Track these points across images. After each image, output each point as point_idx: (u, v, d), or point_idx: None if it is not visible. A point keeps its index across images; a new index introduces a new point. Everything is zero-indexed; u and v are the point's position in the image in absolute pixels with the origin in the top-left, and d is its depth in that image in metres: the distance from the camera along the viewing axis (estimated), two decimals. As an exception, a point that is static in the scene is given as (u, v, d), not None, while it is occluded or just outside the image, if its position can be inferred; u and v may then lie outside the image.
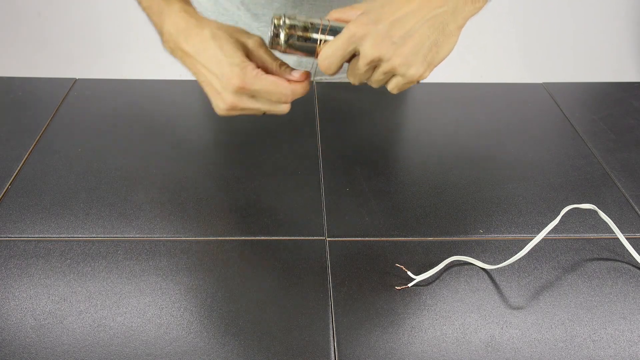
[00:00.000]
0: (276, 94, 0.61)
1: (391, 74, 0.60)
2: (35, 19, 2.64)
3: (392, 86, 0.61)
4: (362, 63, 0.59)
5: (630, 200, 0.72)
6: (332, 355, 0.52)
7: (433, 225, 0.67)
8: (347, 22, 0.60)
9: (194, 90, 0.92)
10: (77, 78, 0.92)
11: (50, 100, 0.87)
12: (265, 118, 0.83)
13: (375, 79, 0.61)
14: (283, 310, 0.56)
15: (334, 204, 0.69)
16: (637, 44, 2.73)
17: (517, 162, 0.78)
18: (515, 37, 2.69)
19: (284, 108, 0.63)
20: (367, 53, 0.57)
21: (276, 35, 0.61)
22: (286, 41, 0.60)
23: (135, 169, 0.74)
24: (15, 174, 0.72)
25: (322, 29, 0.60)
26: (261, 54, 0.63)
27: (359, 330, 0.55)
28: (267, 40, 0.62)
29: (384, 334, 0.54)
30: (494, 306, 0.58)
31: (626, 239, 0.64)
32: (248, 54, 0.62)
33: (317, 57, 0.61)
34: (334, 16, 0.62)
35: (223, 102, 0.62)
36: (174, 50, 0.65)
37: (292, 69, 0.63)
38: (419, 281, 0.59)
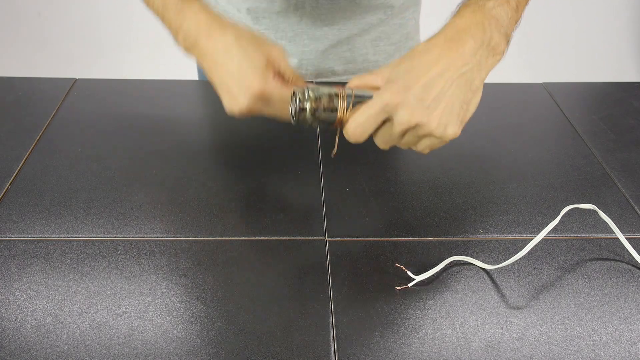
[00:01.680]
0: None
1: (426, 137, 0.59)
2: (35, 19, 2.64)
3: (424, 146, 0.60)
4: (397, 130, 0.58)
5: (630, 200, 0.72)
6: (332, 355, 0.52)
7: (433, 225, 0.67)
8: (368, 88, 0.60)
9: (194, 90, 0.92)
10: (77, 78, 0.92)
11: (50, 100, 0.87)
12: (266, 118, 0.83)
13: (407, 141, 0.60)
14: (283, 310, 0.56)
15: (334, 204, 0.69)
16: (637, 44, 2.73)
17: (517, 162, 0.78)
18: (515, 37, 2.69)
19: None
20: (404, 120, 0.56)
21: (302, 110, 0.59)
22: (312, 114, 0.58)
23: (135, 169, 0.74)
24: (15, 174, 0.72)
25: (346, 98, 0.59)
26: (282, 64, 0.64)
27: (359, 330, 0.55)
28: (291, 113, 0.60)
29: (384, 334, 0.54)
30: (494, 306, 0.58)
31: (626, 239, 0.64)
32: (268, 62, 0.62)
33: (342, 125, 0.60)
34: (355, 83, 0.61)
35: (238, 105, 0.62)
36: (191, 48, 0.64)
37: (308, 83, 0.64)
38: (419, 281, 0.59)
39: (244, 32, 0.64)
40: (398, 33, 0.98)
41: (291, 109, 0.60)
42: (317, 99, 0.58)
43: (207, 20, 0.64)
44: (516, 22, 0.62)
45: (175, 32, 0.66)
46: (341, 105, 0.58)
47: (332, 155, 0.64)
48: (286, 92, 0.62)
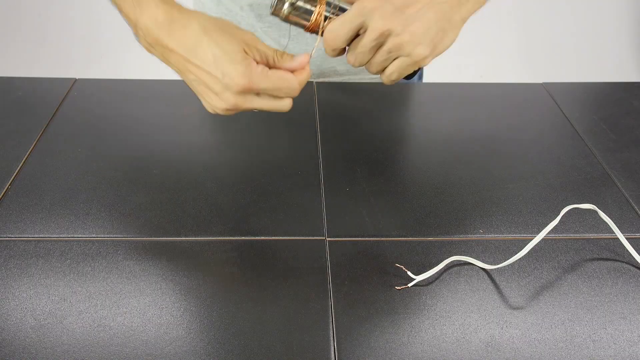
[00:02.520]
0: (284, 89, 0.59)
1: (396, 54, 0.59)
2: (35, 19, 2.64)
3: (393, 69, 0.61)
4: (369, 37, 0.58)
5: (630, 200, 0.72)
6: (332, 355, 0.52)
7: (433, 225, 0.67)
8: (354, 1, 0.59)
9: (194, 90, 0.92)
10: (77, 78, 0.92)
11: (50, 100, 0.87)
12: (266, 118, 0.83)
13: (377, 60, 0.60)
14: (283, 310, 0.56)
15: (334, 204, 0.69)
16: (637, 44, 2.73)
17: (517, 162, 0.78)
18: (515, 37, 2.69)
19: (288, 104, 0.61)
20: (377, 26, 0.57)
21: (280, 0, 0.59)
22: (291, 5, 0.59)
23: (135, 169, 0.74)
24: (15, 174, 0.72)
25: (324, 3, 0.59)
26: (259, 47, 0.60)
27: (359, 330, 0.55)
28: (272, 3, 0.59)
29: (384, 334, 0.54)
30: (494, 306, 0.58)
31: (626, 239, 0.64)
32: (245, 49, 0.58)
33: (321, 33, 0.60)
34: None
35: (223, 102, 0.58)
36: (153, 46, 0.60)
37: (293, 55, 0.61)
38: (419, 281, 0.59)
39: (209, 21, 0.59)
40: None
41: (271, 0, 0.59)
42: None
43: (166, 13, 0.58)
44: None
45: (134, 30, 0.61)
46: (319, 8, 0.59)
47: (310, 56, 0.61)
48: (277, 78, 0.58)
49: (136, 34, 0.61)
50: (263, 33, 0.94)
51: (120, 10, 0.62)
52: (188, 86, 0.62)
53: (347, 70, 0.98)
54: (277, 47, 0.95)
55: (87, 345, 0.52)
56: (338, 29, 0.59)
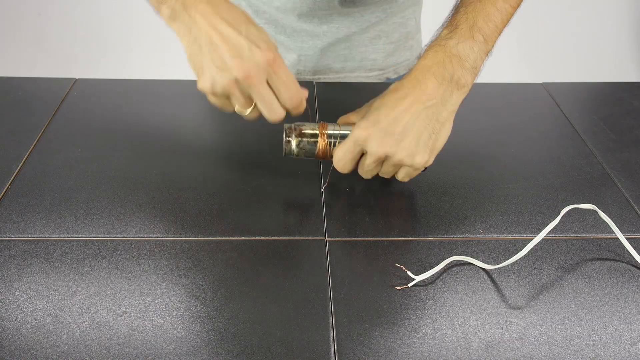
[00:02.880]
0: (290, 91, 0.60)
1: (399, 166, 0.65)
2: (35, 19, 2.64)
3: (402, 175, 0.67)
4: (369, 161, 0.65)
5: (630, 200, 0.72)
6: (332, 355, 0.52)
7: (433, 225, 0.67)
8: (353, 124, 0.67)
9: (195, 91, 0.92)
10: (77, 78, 0.92)
11: (50, 100, 0.87)
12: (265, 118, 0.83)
13: (385, 171, 0.67)
14: (283, 310, 0.56)
15: (334, 204, 0.69)
16: (637, 44, 2.73)
17: (517, 162, 0.78)
18: (515, 37, 2.69)
19: (280, 114, 0.61)
20: (374, 151, 0.63)
21: (288, 142, 0.67)
22: (297, 145, 0.67)
23: (135, 169, 0.74)
24: (15, 174, 0.72)
25: (325, 135, 0.67)
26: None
27: (359, 330, 0.55)
28: (283, 145, 0.68)
29: (384, 334, 0.54)
30: (494, 306, 0.58)
31: (626, 239, 0.64)
32: None
33: (329, 156, 0.68)
34: (341, 121, 0.69)
35: (238, 68, 0.56)
36: (185, 7, 0.58)
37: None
38: (419, 281, 0.59)
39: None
40: (397, 32, 0.98)
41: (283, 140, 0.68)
42: (301, 133, 0.67)
43: None
44: (487, 53, 0.67)
45: None
46: (321, 140, 0.67)
47: (322, 189, 0.71)
48: (292, 76, 0.59)
49: (164, 1, 0.60)
50: None
51: None
52: (190, 63, 0.60)
53: (343, 68, 0.98)
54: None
55: (87, 345, 0.52)
56: (342, 158, 0.65)
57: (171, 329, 0.54)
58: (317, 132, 0.68)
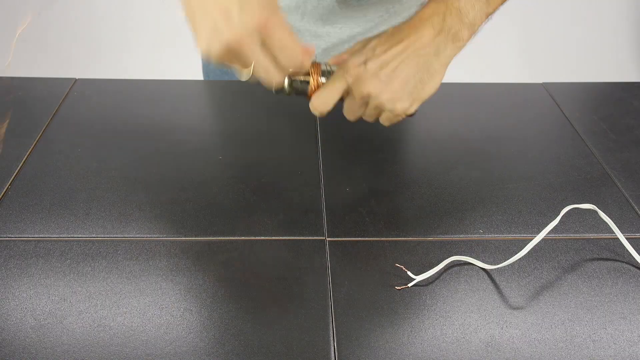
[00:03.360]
0: (289, 52, 0.55)
1: (380, 110, 0.65)
2: (35, 19, 2.64)
3: (383, 119, 0.67)
4: (352, 100, 0.65)
5: (630, 200, 0.72)
6: (332, 355, 0.52)
7: (433, 225, 0.67)
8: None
9: (195, 91, 0.92)
10: (77, 78, 0.92)
11: (50, 100, 0.87)
12: (266, 117, 0.83)
13: (368, 114, 0.66)
14: (283, 310, 0.56)
15: (334, 204, 0.69)
16: (637, 44, 2.73)
17: (517, 162, 0.78)
18: (515, 37, 2.69)
19: (277, 79, 0.57)
20: (357, 90, 0.63)
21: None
22: (290, 84, 0.65)
23: (135, 169, 0.74)
24: (15, 174, 0.72)
25: (319, 72, 0.65)
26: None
27: (359, 330, 0.55)
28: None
29: (384, 334, 0.54)
30: (494, 306, 0.58)
31: (626, 239, 0.64)
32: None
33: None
34: (332, 61, 0.67)
35: (230, 31, 0.52)
36: None
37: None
38: (419, 281, 0.59)
39: None
40: None
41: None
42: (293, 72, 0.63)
43: None
44: (487, 15, 0.66)
45: None
46: (313, 78, 0.65)
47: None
48: (291, 36, 0.54)
49: None
50: None
51: None
52: (190, 27, 0.56)
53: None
54: None
55: (87, 345, 0.52)
56: (326, 97, 0.64)
57: (171, 329, 0.54)
58: (310, 70, 0.65)
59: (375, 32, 0.95)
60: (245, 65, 0.57)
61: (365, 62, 0.63)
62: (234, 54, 0.55)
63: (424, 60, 0.63)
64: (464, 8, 0.64)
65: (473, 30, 0.65)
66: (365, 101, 0.65)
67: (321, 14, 0.90)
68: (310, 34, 0.93)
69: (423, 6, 0.66)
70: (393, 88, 0.63)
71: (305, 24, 0.92)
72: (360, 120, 0.67)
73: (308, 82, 0.66)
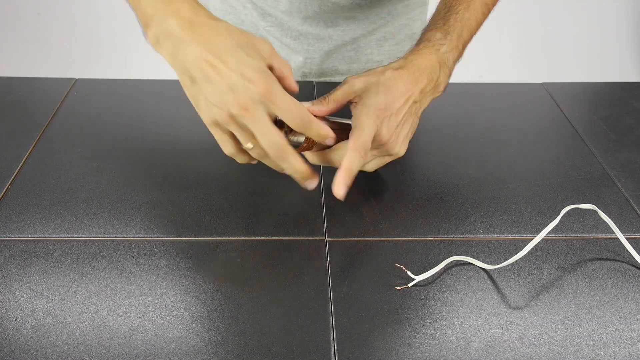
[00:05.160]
0: (296, 112, 0.56)
1: (383, 156, 0.67)
2: (35, 19, 2.64)
3: (373, 165, 0.68)
4: (376, 151, 0.66)
5: (630, 200, 0.72)
6: (332, 355, 0.52)
7: (433, 225, 0.67)
8: (339, 100, 0.66)
9: (194, 90, 0.92)
10: (77, 78, 0.92)
11: (50, 100, 0.87)
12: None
13: (374, 164, 0.68)
14: (283, 310, 0.56)
15: (334, 204, 0.69)
16: (637, 44, 2.73)
17: (517, 162, 0.78)
18: (515, 37, 2.69)
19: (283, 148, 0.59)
20: (383, 135, 0.63)
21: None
22: (285, 136, 0.61)
23: (135, 168, 0.74)
24: (15, 174, 0.72)
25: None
26: (275, 59, 0.59)
27: (359, 330, 0.55)
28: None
29: (384, 334, 0.54)
30: (494, 306, 0.58)
31: (626, 239, 0.64)
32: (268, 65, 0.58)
33: (309, 149, 0.64)
34: (327, 105, 0.66)
35: (236, 100, 0.54)
36: (167, 38, 0.56)
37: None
38: (419, 281, 0.59)
39: (236, 28, 0.58)
40: (402, 33, 0.98)
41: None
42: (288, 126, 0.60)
43: (192, 9, 0.57)
44: (457, 61, 0.72)
45: (147, 19, 0.58)
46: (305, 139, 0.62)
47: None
48: (290, 99, 0.56)
49: (147, 26, 0.58)
50: (266, 32, 0.94)
51: (134, 3, 0.60)
52: (186, 91, 0.59)
53: (349, 70, 0.98)
54: (280, 45, 0.95)
55: (87, 345, 0.52)
56: (365, 146, 0.62)
57: (171, 329, 0.54)
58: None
59: (377, 34, 0.95)
60: (247, 136, 0.58)
61: (387, 114, 0.63)
62: (238, 124, 0.57)
63: (417, 108, 0.68)
64: (449, 62, 0.70)
65: (448, 80, 0.71)
66: (383, 155, 0.67)
67: (323, 17, 0.90)
68: (312, 36, 0.93)
69: (417, 53, 0.68)
70: (402, 137, 0.66)
71: (307, 27, 0.92)
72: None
73: (301, 140, 0.62)
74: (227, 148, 0.61)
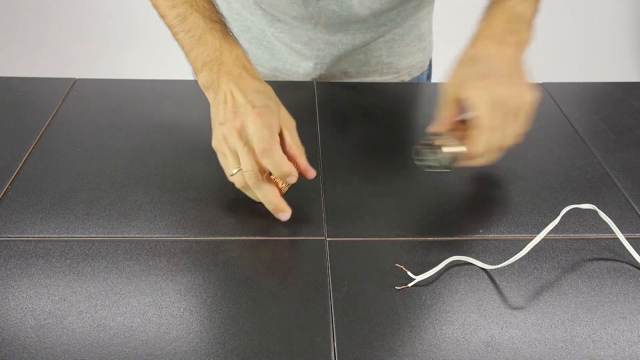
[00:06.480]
0: (285, 169, 0.62)
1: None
2: (35, 19, 2.64)
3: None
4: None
5: (630, 200, 0.72)
6: (332, 355, 0.52)
7: (433, 225, 0.67)
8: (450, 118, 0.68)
9: (194, 90, 0.92)
10: (77, 78, 0.92)
11: (50, 100, 0.87)
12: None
13: (511, 129, 0.68)
14: (283, 310, 0.56)
15: (334, 204, 0.69)
16: (637, 44, 2.73)
17: (517, 162, 0.78)
18: (515, 37, 2.69)
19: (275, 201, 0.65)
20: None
21: (424, 158, 0.67)
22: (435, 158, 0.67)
23: (135, 169, 0.74)
24: (15, 174, 0.72)
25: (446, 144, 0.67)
26: (289, 135, 0.66)
27: (359, 330, 0.55)
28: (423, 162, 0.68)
29: (384, 334, 0.54)
30: (494, 306, 0.58)
31: (626, 239, 0.64)
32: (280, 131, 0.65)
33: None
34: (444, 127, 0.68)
35: (232, 123, 0.63)
36: (220, 79, 0.67)
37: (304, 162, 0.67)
38: (419, 281, 0.59)
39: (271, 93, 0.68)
40: (411, 34, 0.98)
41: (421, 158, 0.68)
42: (438, 146, 0.67)
43: (246, 59, 0.70)
44: (537, 11, 0.73)
45: (211, 59, 0.68)
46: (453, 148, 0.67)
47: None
48: (286, 160, 0.62)
49: (205, 65, 0.68)
50: (275, 39, 0.94)
51: (187, 44, 0.70)
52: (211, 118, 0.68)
53: (358, 73, 0.98)
54: (289, 51, 0.95)
55: (87, 345, 0.52)
56: (490, 142, 0.65)
57: (171, 329, 0.54)
58: (454, 144, 0.67)
59: (387, 36, 0.95)
60: (233, 162, 0.65)
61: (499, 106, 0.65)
62: (229, 146, 0.64)
63: (514, 63, 0.71)
64: (525, 13, 0.71)
65: (532, 31, 0.72)
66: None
67: (334, 23, 0.90)
68: (323, 41, 0.93)
69: (487, 24, 0.70)
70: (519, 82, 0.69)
71: (317, 33, 0.91)
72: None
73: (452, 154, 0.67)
74: (227, 174, 0.66)
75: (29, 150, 0.76)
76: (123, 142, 0.79)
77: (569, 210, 0.66)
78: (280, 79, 0.98)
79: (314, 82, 0.94)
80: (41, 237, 0.64)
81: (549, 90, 0.94)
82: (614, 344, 0.55)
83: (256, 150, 0.62)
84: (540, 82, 0.96)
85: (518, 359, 0.53)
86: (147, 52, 2.43)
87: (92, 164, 0.74)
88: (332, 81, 0.98)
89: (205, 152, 0.78)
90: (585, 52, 2.67)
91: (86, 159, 0.75)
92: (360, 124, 0.85)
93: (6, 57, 2.54)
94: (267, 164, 0.62)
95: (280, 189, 0.66)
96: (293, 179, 0.64)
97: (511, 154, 0.80)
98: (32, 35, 2.60)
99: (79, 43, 2.58)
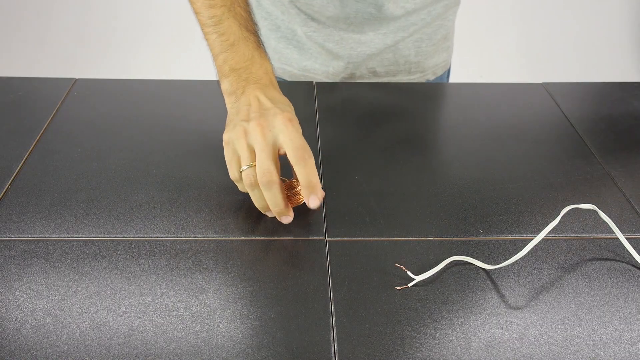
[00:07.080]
0: (275, 197, 0.63)
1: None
2: (35, 19, 2.64)
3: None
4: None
5: (630, 200, 0.72)
6: (332, 355, 0.52)
7: (433, 225, 0.67)
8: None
9: (194, 90, 0.92)
10: (77, 78, 0.92)
11: (50, 100, 0.87)
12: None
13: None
14: (283, 310, 0.56)
15: (334, 204, 0.69)
16: (637, 44, 2.74)
17: (517, 162, 0.78)
18: (515, 37, 2.69)
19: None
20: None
21: None
22: None
23: (135, 169, 0.74)
24: (15, 174, 0.72)
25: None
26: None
27: (359, 330, 0.55)
28: None
29: (384, 334, 0.54)
30: (494, 306, 0.58)
31: (626, 239, 0.64)
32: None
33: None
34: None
35: (256, 120, 0.64)
36: (249, 83, 0.68)
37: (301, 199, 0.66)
38: (419, 281, 0.59)
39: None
40: (439, 34, 0.98)
41: None
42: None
43: (273, 72, 0.71)
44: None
45: (233, 65, 0.69)
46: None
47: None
48: (279, 192, 0.62)
49: (233, 71, 0.69)
50: (307, 38, 0.94)
51: (217, 46, 0.70)
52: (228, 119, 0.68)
53: (386, 72, 0.98)
54: (320, 50, 0.96)
55: (87, 345, 0.53)
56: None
57: (171, 329, 0.54)
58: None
59: (416, 35, 0.96)
60: (249, 155, 0.64)
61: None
62: (247, 142, 0.64)
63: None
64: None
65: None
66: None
67: (367, 22, 0.90)
68: (355, 41, 0.93)
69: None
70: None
71: (350, 33, 0.92)
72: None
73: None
74: (232, 169, 0.65)
75: (29, 150, 0.76)
76: (123, 142, 0.79)
77: (569, 210, 0.66)
78: (309, 79, 0.98)
79: (314, 83, 0.94)
80: (41, 237, 0.64)
81: (549, 90, 0.94)
82: (614, 344, 0.55)
83: (290, 155, 0.63)
84: (540, 82, 0.97)
85: (518, 359, 0.53)
86: (147, 52, 2.43)
87: (92, 164, 0.74)
88: (330, 81, 0.98)
89: (206, 152, 0.78)
90: (585, 52, 2.67)
91: (86, 159, 0.75)
92: (360, 124, 0.85)
93: (6, 57, 2.54)
94: (299, 171, 0.63)
95: (297, 199, 0.66)
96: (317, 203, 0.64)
97: (511, 154, 0.80)
98: (32, 35, 2.60)
99: (79, 43, 2.58)
